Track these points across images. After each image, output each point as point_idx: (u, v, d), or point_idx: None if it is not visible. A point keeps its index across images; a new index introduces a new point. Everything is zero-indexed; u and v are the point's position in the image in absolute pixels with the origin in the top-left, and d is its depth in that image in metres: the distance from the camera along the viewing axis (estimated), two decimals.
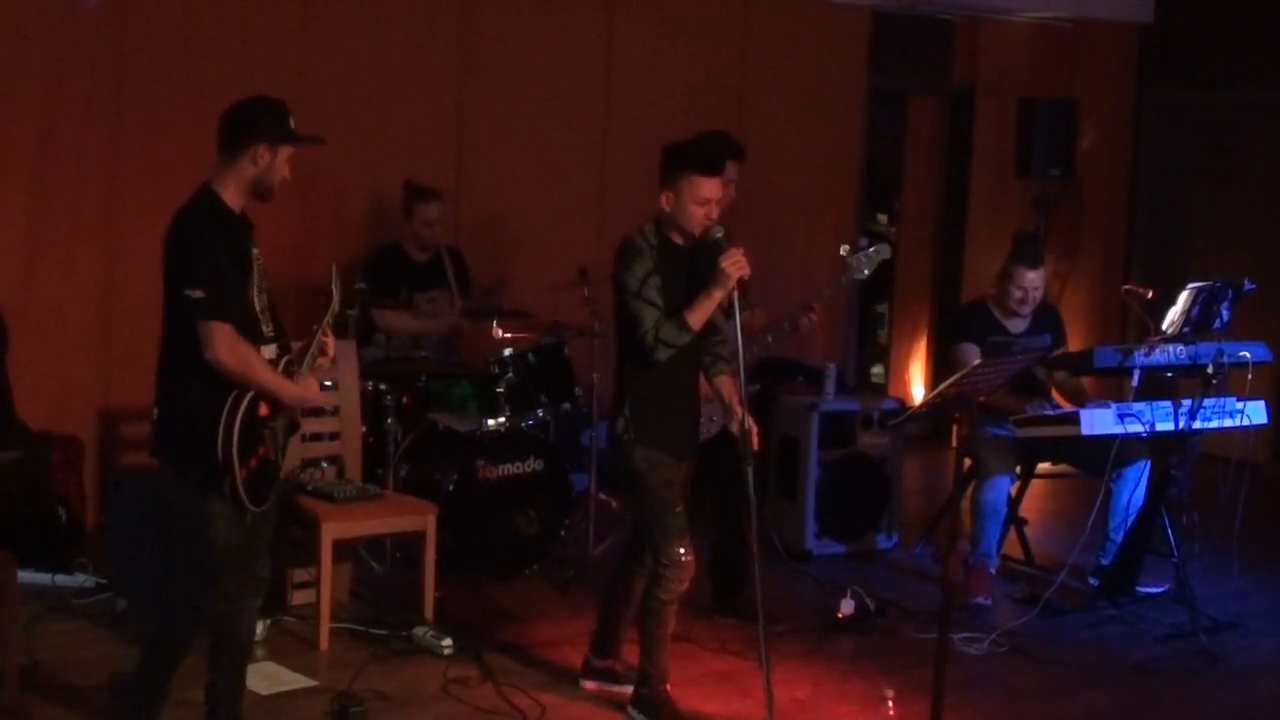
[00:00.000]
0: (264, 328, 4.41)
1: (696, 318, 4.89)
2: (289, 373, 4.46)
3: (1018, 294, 6.78)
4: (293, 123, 4.43)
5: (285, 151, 4.40)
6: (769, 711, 4.90)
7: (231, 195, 4.36)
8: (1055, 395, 7.01)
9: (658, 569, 5.02)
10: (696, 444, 5.28)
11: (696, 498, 5.78)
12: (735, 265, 4.83)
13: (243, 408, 4.27)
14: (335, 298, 4.61)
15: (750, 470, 4.89)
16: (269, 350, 4.42)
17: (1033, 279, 6.78)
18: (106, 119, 6.97)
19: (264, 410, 4.36)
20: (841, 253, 5.99)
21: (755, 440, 4.95)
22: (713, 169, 4.93)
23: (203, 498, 4.32)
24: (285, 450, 4.56)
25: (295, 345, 4.58)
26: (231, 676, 4.62)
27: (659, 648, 5.13)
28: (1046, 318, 7.00)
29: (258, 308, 4.39)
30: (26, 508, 6.35)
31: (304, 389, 4.48)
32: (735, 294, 4.89)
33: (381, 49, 7.62)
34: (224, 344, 4.22)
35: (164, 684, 4.56)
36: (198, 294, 4.21)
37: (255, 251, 4.43)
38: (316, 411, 6.27)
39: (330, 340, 4.58)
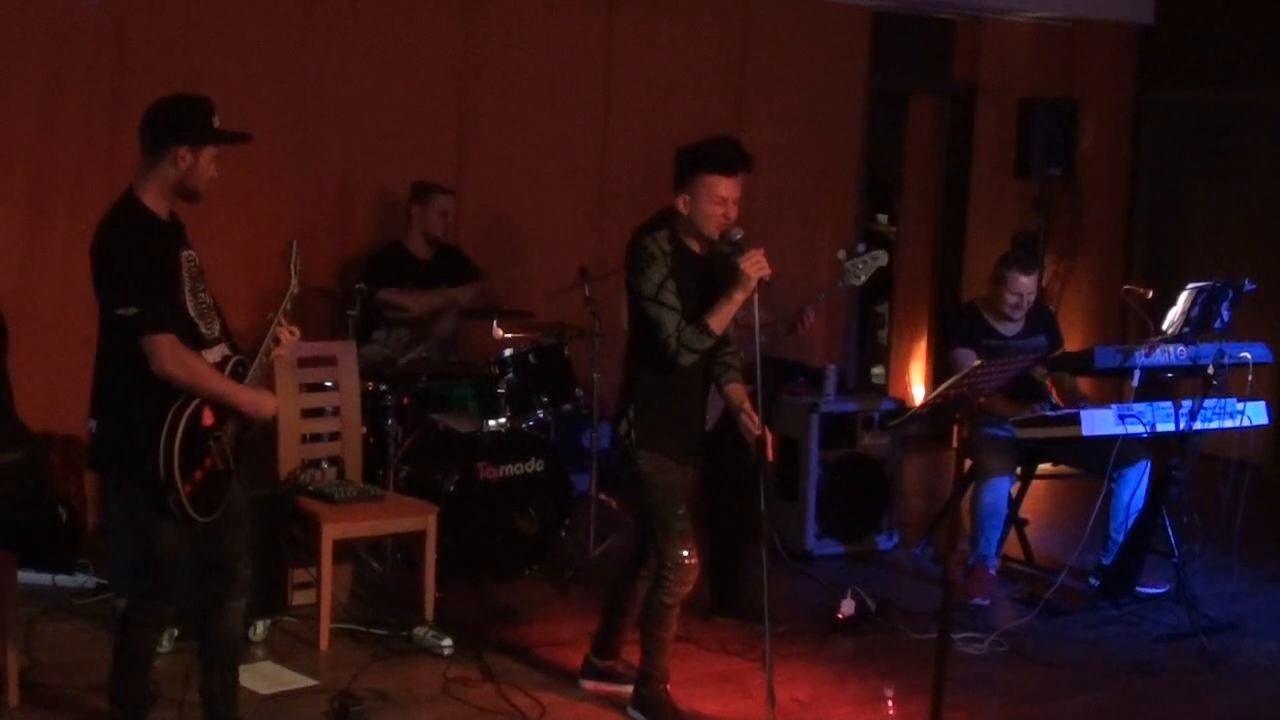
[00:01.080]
0: (204, 329, 4.31)
1: (718, 321, 4.86)
2: (238, 374, 4.35)
3: (1011, 299, 6.74)
4: (217, 121, 4.31)
5: (208, 152, 4.28)
6: (770, 711, 4.91)
7: (154, 199, 4.26)
8: (1054, 393, 7.00)
9: (661, 571, 5.02)
10: (698, 450, 5.27)
11: (699, 500, 5.78)
12: (756, 266, 4.79)
13: (183, 422, 4.17)
14: (293, 280, 4.43)
15: (763, 475, 4.88)
16: (214, 352, 4.33)
17: (1026, 283, 6.74)
18: (106, 119, 6.96)
19: (208, 420, 4.26)
20: (839, 257, 5.99)
21: (770, 450, 4.93)
22: (730, 168, 4.89)
23: (147, 512, 4.24)
24: (236, 454, 4.42)
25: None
26: (224, 676, 4.61)
27: (660, 649, 5.13)
28: (1040, 319, 6.97)
29: (193, 311, 4.28)
30: (26, 508, 6.34)
31: (259, 398, 4.36)
32: (755, 296, 4.85)
33: (382, 48, 7.62)
34: (169, 356, 4.14)
35: (141, 687, 4.54)
36: (130, 311, 4.12)
37: (189, 253, 4.32)
38: (317, 412, 6.28)
39: (285, 330, 4.42)
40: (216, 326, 4.38)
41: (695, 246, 4.96)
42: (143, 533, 4.31)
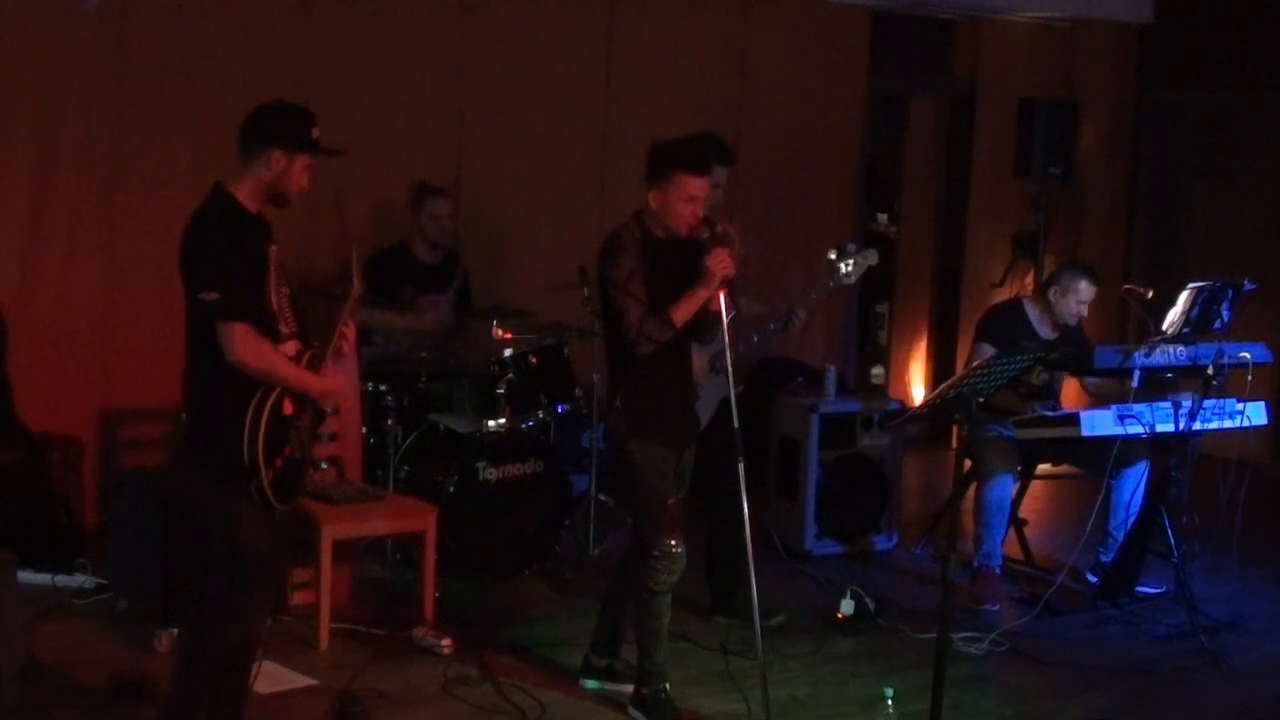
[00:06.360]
0: (282, 325, 4.39)
1: (680, 314, 4.93)
2: (312, 366, 4.45)
3: (1075, 307, 6.74)
4: (316, 133, 4.41)
5: (302, 161, 4.38)
6: (766, 710, 4.91)
7: (246, 196, 4.34)
8: (1077, 402, 6.99)
9: (648, 560, 5.04)
10: (695, 433, 5.30)
11: (692, 496, 5.78)
12: (720, 264, 4.87)
13: (267, 408, 4.26)
14: (355, 282, 4.59)
15: (741, 468, 4.89)
16: (288, 347, 4.40)
17: (1089, 292, 6.75)
18: (106, 119, 6.97)
19: (289, 409, 4.35)
20: (830, 257, 5.99)
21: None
22: (701, 168, 4.98)
23: (232, 500, 4.31)
24: (312, 447, 4.55)
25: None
26: (238, 676, 4.61)
27: (655, 643, 5.13)
28: (1074, 329, 6.93)
29: (274, 305, 4.37)
30: (26, 508, 6.35)
31: (330, 382, 4.47)
32: (724, 293, 4.91)
33: (382, 48, 7.62)
34: (244, 344, 4.21)
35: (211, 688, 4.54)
36: (212, 296, 4.19)
37: (273, 249, 4.41)
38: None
39: (350, 328, 4.58)
40: (294, 323, 4.46)
41: (662, 234, 5.03)
42: (224, 526, 4.35)
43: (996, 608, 6.52)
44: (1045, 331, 6.85)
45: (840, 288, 6.07)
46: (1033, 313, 6.89)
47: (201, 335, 4.26)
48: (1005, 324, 6.86)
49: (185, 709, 4.49)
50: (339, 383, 4.55)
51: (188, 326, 4.34)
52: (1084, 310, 6.82)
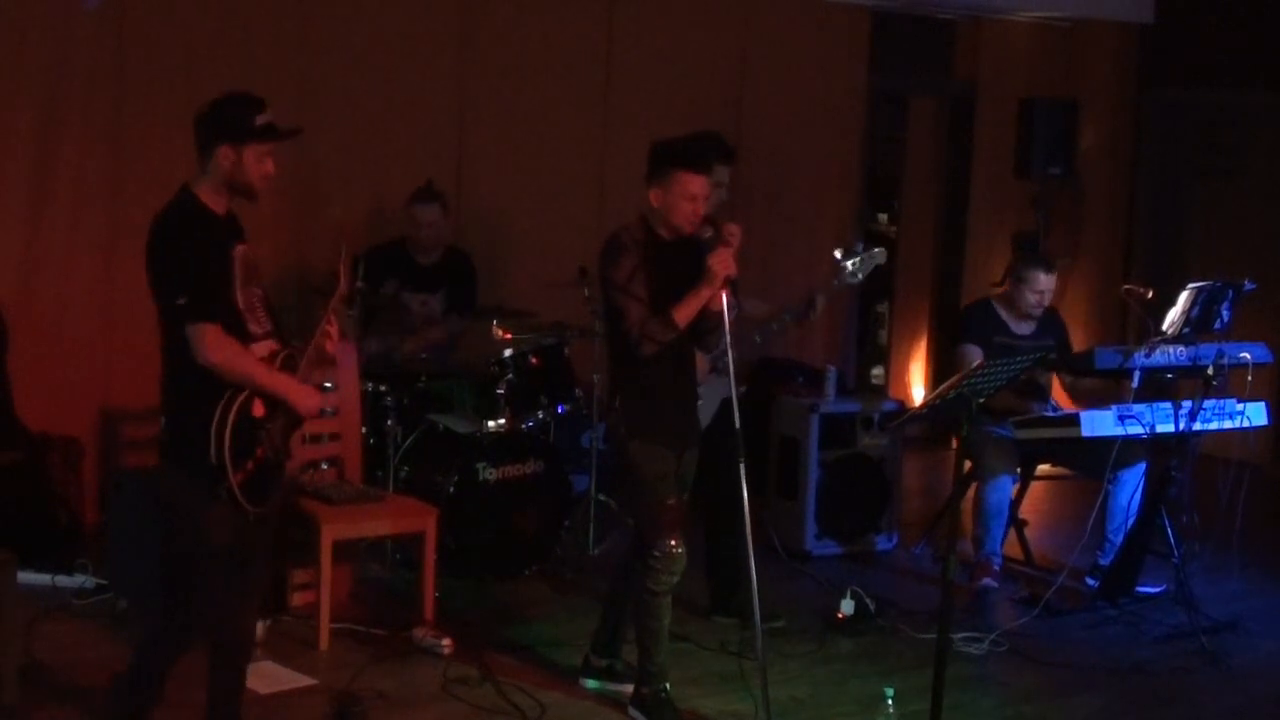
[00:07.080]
0: (252, 325, 4.34)
1: (683, 315, 4.92)
2: (288, 367, 4.40)
3: (1033, 297, 6.85)
4: (261, 119, 4.31)
5: (254, 149, 4.30)
6: (765, 710, 4.91)
7: (209, 195, 4.30)
8: (1062, 397, 7.03)
9: (648, 560, 5.04)
10: (696, 435, 5.29)
11: (693, 496, 5.78)
12: (722, 264, 4.86)
13: (234, 410, 4.22)
14: (342, 281, 4.54)
15: (743, 468, 4.88)
16: (261, 347, 4.35)
17: (1047, 282, 6.85)
18: (106, 120, 6.97)
19: (259, 410, 4.31)
20: (836, 255, 5.98)
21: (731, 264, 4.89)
22: (701, 166, 4.98)
23: (201, 501, 4.28)
24: (288, 448, 4.50)
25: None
26: (232, 676, 4.62)
27: (655, 643, 5.13)
28: (1051, 321, 7.02)
29: (241, 305, 4.32)
30: (26, 508, 6.35)
31: (302, 392, 4.38)
32: (726, 294, 4.90)
33: (382, 49, 7.62)
34: (212, 345, 4.17)
35: (158, 684, 4.55)
36: (180, 300, 4.16)
37: (242, 248, 4.35)
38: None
39: (334, 329, 4.50)
40: (267, 322, 4.41)
41: (666, 234, 5.02)
42: (194, 526, 4.34)
43: (996, 584, 6.54)
44: (1015, 325, 6.94)
45: (846, 287, 6.05)
46: (1002, 310, 6.96)
47: (172, 337, 4.23)
48: (979, 323, 6.94)
49: (128, 698, 4.52)
50: (312, 396, 4.43)
51: (160, 329, 4.31)
52: (1044, 300, 6.90)
